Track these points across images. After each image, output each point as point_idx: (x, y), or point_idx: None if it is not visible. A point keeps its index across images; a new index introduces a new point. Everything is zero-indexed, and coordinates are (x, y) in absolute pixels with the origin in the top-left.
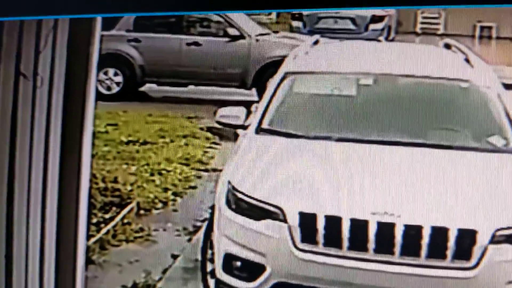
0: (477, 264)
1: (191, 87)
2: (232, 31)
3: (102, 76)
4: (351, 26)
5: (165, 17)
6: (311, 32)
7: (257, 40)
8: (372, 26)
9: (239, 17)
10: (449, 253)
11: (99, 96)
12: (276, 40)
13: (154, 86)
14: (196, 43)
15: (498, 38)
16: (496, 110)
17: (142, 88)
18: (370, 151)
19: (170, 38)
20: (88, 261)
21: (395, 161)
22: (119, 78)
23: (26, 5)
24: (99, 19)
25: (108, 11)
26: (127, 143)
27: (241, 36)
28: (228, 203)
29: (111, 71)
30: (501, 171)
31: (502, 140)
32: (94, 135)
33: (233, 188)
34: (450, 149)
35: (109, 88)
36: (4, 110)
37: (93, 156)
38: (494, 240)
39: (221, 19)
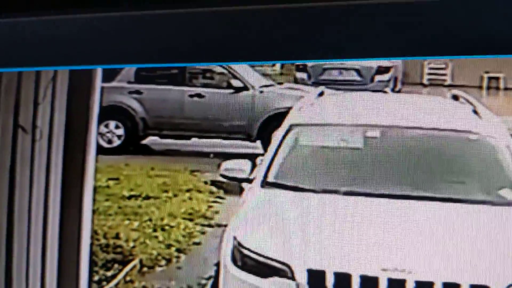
0: None
1: (195, 139)
2: (235, 83)
3: (103, 129)
4: (357, 77)
5: (167, 68)
6: (316, 84)
7: (261, 92)
8: (378, 77)
9: (242, 69)
10: None
11: (100, 150)
12: (280, 91)
13: (156, 139)
14: (199, 95)
15: (506, 89)
16: (506, 163)
17: (144, 141)
18: (379, 205)
19: (172, 90)
20: None
21: (404, 215)
22: (120, 131)
23: (24, 56)
24: (99, 70)
25: (108, 62)
26: (129, 197)
27: (245, 88)
28: (233, 260)
29: (112, 124)
30: None
31: None
32: (95, 189)
33: (239, 244)
34: (460, 203)
35: (110, 141)
36: (3, 164)
37: (94, 211)
38: None
39: (224, 71)
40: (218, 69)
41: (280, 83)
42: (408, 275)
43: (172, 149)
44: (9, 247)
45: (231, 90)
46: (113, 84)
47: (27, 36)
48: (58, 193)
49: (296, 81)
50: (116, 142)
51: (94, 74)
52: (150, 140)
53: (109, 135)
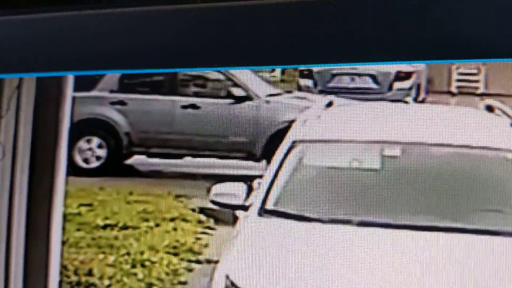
0: None
1: (188, 158)
2: (237, 91)
3: (82, 144)
4: (372, 85)
5: (154, 75)
6: (323, 92)
7: (267, 102)
8: (397, 85)
9: (244, 75)
10: None
11: (74, 169)
12: (290, 101)
13: (143, 157)
14: (193, 106)
15: None
16: None
17: (129, 161)
18: (399, 238)
19: (161, 100)
20: None
21: (431, 250)
22: (102, 152)
23: None
24: (71, 78)
25: (82, 68)
26: (104, 227)
27: (248, 97)
28: None
29: (95, 141)
30: None
31: None
32: (65, 217)
33: (232, 284)
34: (498, 235)
35: (86, 161)
36: None
37: (63, 243)
38: None
39: (222, 77)
40: (215, 75)
41: (289, 92)
42: None
43: (154, 169)
44: None
45: (232, 100)
46: (93, 93)
47: None
48: (22, 221)
49: (300, 88)
50: (94, 164)
51: (65, 82)
52: (135, 159)
53: (88, 153)
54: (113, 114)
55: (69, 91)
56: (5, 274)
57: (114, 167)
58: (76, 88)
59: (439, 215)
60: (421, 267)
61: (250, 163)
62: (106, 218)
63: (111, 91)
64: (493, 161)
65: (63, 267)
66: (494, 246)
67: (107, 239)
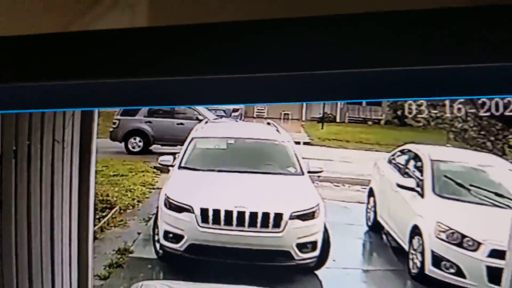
0: (283, 229)
1: (179, 147)
2: (200, 116)
3: (132, 140)
4: (223, 114)
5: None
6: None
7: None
8: (233, 114)
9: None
10: (270, 224)
11: (128, 151)
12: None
13: (158, 146)
14: (181, 124)
15: (291, 119)
16: (291, 154)
17: (151, 147)
18: (234, 175)
19: (168, 121)
20: (94, 238)
21: (244, 179)
22: (140, 144)
23: (59, 102)
24: (96, 111)
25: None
26: (114, 175)
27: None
28: (165, 204)
29: (137, 139)
30: (294, 184)
31: (294, 169)
32: (96, 172)
33: (167, 196)
34: (269, 174)
35: (134, 147)
36: (47, 164)
37: (96, 183)
38: (290, 218)
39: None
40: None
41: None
42: (246, 209)
43: (155, 151)
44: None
45: (197, 121)
46: (137, 117)
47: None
48: (76, 176)
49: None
50: (137, 149)
51: (93, 113)
52: (154, 147)
53: (135, 144)
54: (145, 126)
55: (95, 117)
56: (69, 203)
57: (145, 150)
58: (127, 114)
59: (249, 166)
60: (241, 187)
61: (178, 147)
62: (114, 171)
63: (145, 116)
64: (269, 144)
65: (95, 193)
66: (268, 178)
67: (114, 180)
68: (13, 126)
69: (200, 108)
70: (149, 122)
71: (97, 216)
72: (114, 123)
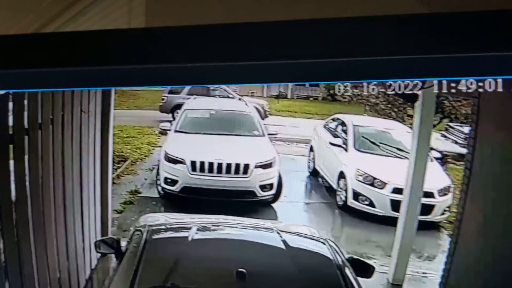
0: (250, 175)
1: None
2: (230, 94)
3: (176, 112)
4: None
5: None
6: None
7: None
8: (215, 92)
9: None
10: (240, 172)
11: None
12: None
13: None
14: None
15: (257, 96)
16: (257, 121)
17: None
18: (214, 137)
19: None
20: (112, 183)
21: (222, 140)
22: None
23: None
24: (113, 90)
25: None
26: (127, 137)
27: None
28: (164, 158)
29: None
30: (257, 143)
31: (257, 132)
32: (113, 135)
33: (166, 152)
34: (240, 136)
35: (174, 119)
36: (77, 129)
37: (113, 143)
38: (255, 167)
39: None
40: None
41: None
42: (223, 161)
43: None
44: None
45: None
46: (181, 95)
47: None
48: (99, 136)
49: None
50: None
51: (111, 91)
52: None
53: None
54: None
55: (112, 93)
56: (101, 160)
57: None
58: (173, 92)
59: (227, 130)
60: (221, 145)
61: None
62: (126, 135)
63: (186, 94)
64: (239, 115)
65: (114, 151)
66: (239, 139)
67: (127, 141)
68: (50, 100)
69: (224, 87)
70: (187, 99)
71: (114, 167)
72: (163, 99)
